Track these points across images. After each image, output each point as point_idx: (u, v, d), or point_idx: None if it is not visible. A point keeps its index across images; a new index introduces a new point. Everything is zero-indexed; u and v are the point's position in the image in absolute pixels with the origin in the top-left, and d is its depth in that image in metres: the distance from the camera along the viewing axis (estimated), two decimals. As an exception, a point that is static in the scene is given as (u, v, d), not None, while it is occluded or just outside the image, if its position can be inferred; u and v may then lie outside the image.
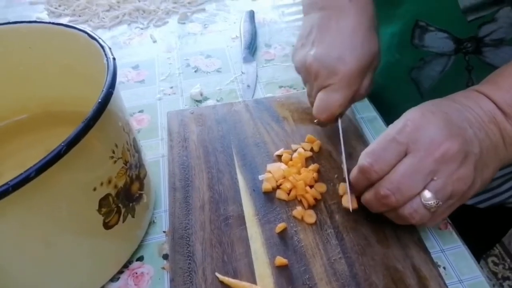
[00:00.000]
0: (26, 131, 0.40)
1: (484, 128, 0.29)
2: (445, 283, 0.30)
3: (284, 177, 0.37)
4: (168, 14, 0.65)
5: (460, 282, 0.31)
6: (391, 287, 0.30)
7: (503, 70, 0.31)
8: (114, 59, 0.30)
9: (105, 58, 0.30)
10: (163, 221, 0.37)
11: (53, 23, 0.34)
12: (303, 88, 0.49)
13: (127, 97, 0.50)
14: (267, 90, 0.50)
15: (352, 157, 0.39)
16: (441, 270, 0.32)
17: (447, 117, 0.29)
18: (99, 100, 0.26)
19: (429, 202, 0.28)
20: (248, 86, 0.50)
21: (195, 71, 0.54)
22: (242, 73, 0.52)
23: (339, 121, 0.39)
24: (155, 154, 0.43)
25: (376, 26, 0.38)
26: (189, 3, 0.67)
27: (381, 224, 0.33)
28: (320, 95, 0.37)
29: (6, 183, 0.21)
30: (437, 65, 0.43)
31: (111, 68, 0.29)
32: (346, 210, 0.35)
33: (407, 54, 0.44)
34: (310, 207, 0.35)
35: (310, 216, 0.34)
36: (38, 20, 0.58)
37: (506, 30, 0.37)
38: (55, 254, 0.28)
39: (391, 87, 0.48)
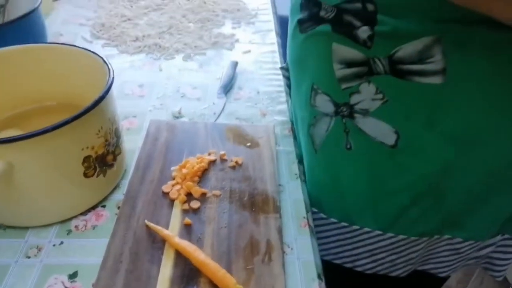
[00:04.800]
0: (54, 113, 0.60)
1: None
2: (282, 252, 0.47)
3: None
4: (177, 52, 0.86)
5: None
6: (248, 246, 0.47)
7: None
8: (113, 77, 0.49)
9: (108, 76, 0.49)
10: (125, 188, 0.55)
11: (84, 48, 0.55)
12: (252, 123, 0.68)
13: (128, 104, 0.70)
14: (226, 119, 0.69)
15: (262, 171, 0.57)
16: (288, 249, 0.48)
17: None
18: (96, 99, 0.45)
19: None
20: (214, 113, 0.69)
21: (182, 96, 0.74)
22: (213, 103, 0.72)
23: None
24: (135, 146, 0.62)
25: None
26: (195, 46, 0.88)
27: (257, 215, 0.51)
28: None
29: (37, 130, 0.41)
30: (323, 123, 0.54)
31: (109, 82, 0.48)
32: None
33: (307, 112, 0.57)
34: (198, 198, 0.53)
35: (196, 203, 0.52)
36: (82, 38, 0.81)
37: (368, 103, 0.48)
38: (56, 183, 0.47)
39: (300, 138, 0.63)
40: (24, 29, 0.68)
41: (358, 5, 0.45)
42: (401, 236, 0.56)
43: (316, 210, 0.61)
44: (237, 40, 0.92)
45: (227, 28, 0.96)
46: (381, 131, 0.49)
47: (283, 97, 0.74)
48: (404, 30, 0.43)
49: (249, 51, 0.88)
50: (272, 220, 0.51)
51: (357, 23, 0.45)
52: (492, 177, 0.50)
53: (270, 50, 0.89)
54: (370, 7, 0.44)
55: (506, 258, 0.61)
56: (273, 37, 0.94)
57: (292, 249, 0.49)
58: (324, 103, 0.53)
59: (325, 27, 0.49)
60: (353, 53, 0.47)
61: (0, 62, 0.54)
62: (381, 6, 0.44)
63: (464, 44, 0.42)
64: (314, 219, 0.58)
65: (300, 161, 0.62)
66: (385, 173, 0.52)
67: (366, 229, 0.57)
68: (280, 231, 0.50)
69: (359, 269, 0.62)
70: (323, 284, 0.47)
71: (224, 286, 0.42)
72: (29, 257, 0.46)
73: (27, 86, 0.58)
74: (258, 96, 0.75)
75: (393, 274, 0.61)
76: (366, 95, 0.48)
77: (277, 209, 0.52)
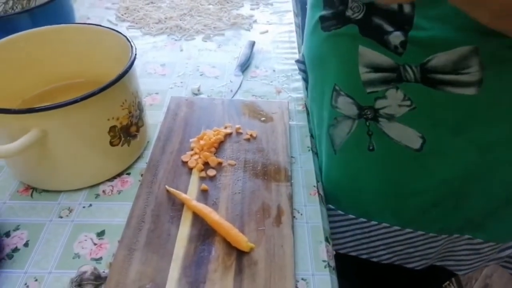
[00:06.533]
0: (83, 89, 0.64)
1: None
2: (292, 216, 0.50)
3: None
4: (197, 33, 0.89)
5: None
6: (260, 210, 0.50)
7: None
8: (135, 54, 0.53)
9: (131, 53, 0.53)
10: (148, 157, 0.59)
11: (109, 28, 0.59)
12: (267, 99, 0.71)
13: (150, 82, 0.74)
14: (242, 96, 0.72)
15: (275, 144, 0.60)
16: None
17: None
18: (119, 73, 0.49)
19: None
20: (231, 90, 0.73)
21: (201, 75, 0.77)
22: (231, 81, 0.75)
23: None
24: (157, 120, 0.66)
25: None
26: (214, 27, 0.91)
27: (268, 182, 0.54)
28: None
29: (66, 101, 0.45)
30: (345, 126, 0.52)
31: (132, 58, 0.52)
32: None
33: (327, 112, 0.55)
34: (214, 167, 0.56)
35: (212, 172, 0.55)
36: (108, 21, 0.85)
37: (394, 109, 0.46)
38: (86, 151, 0.51)
39: (320, 137, 0.62)
40: (54, 12, 0.73)
41: (394, 5, 0.41)
42: (419, 232, 0.56)
43: (333, 207, 0.61)
44: (255, 21, 0.95)
45: (245, 9, 0.99)
46: (407, 135, 0.48)
47: (298, 75, 0.77)
48: (440, 37, 0.40)
49: (267, 31, 0.91)
50: (283, 188, 0.54)
51: (388, 27, 0.43)
52: None
53: (288, 30, 0.92)
54: (407, 8, 0.41)
55: None
56: (290, 17, 0.96)
57: (301, 214, 0.52)
58: (346, 105, 0.51)
59: (351, 29, 0.46)
60: (381, 59, 0.44)
61: (33, 41, 0.59)
62: (419, 9, 0.41)
63: (503, 57, 0.40)
64: (331, 216, 0.59)
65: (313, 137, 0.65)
66: (408, 175, 0.52)
67: (385, 224, 0.57)
68: (290, 197, 0.53)
69: (375, 259, 0.62)
70: (330, 247, 0.50)
71: (237, 244, 0.46)
72: (61, 217, 0.51)
73: (58, 64, 0.63)
74: (274, 74, 0.78)
75: (409, 265, 0.61)
76: (393, 101, 0.46)
77: (288, 178, 0.55)
